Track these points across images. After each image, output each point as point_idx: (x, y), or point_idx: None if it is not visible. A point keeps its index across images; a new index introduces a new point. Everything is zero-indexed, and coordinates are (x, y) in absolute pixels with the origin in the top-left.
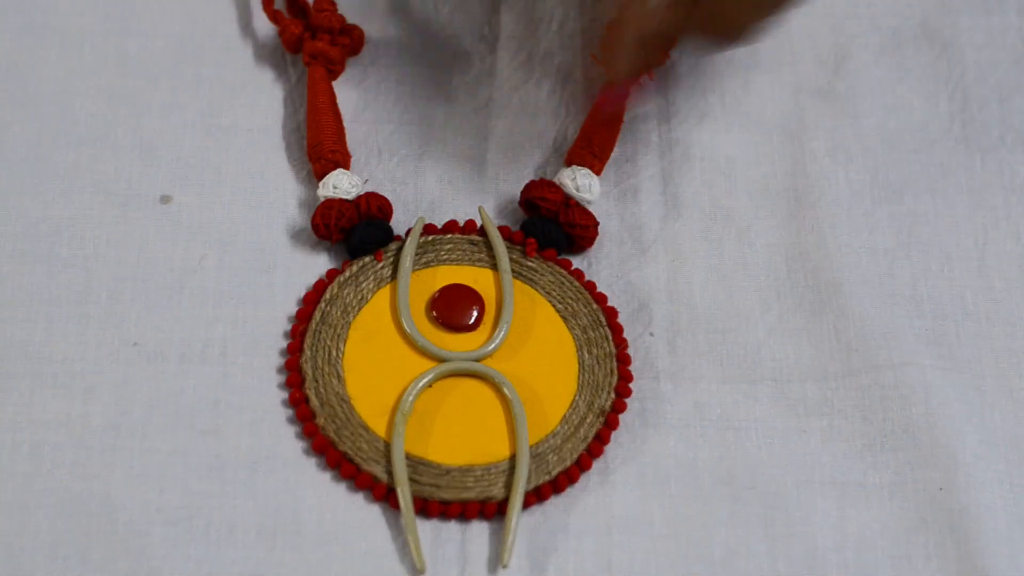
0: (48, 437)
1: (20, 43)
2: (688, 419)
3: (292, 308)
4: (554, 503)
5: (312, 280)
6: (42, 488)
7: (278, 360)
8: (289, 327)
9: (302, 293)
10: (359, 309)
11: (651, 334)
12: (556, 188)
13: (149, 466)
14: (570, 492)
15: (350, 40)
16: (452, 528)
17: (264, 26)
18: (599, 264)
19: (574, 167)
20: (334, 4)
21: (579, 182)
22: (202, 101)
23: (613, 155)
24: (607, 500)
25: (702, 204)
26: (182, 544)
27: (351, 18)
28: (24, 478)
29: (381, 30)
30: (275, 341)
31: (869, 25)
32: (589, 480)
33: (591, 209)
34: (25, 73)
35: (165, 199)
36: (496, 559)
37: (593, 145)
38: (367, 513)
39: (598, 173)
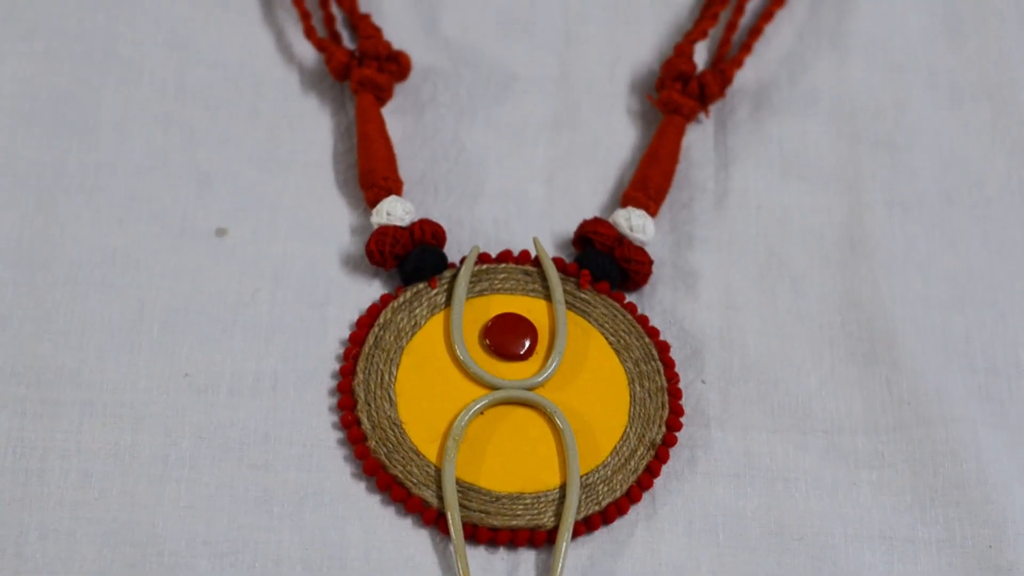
0: (96, 466)
1: (80, 72)
2: (738, 468)
3: (345, 333)
4: (602, 547)
5: (366, 306)
6: (89, 517)
7: (330, 385)
8: (341, 351)
9: (355, 318)
10: (412, 334)
11: (703, 381)
12: (610, 226)
13: (196, 498)
14: (619, 532)
15: (397, 66)
16: (501, 555)
17: (315, 55)
18: (652, 310)
19: (629, 208)
20: (379, 30)
21: (633, 222)
22: (259, 133)
23: (669, 201)
24: (655, 546)
25: (757, 252)
26: None
27: (414, 48)
28: (72, 506)
29: (439, 64)
30: (327, 367)
31: (928, 79)
32: (638, 518)
33: (645, 250)
34: (84, 102)
35: (220, 231)
36: None
37: (648, 187)
38: (415, 539)
39: (653, 215)
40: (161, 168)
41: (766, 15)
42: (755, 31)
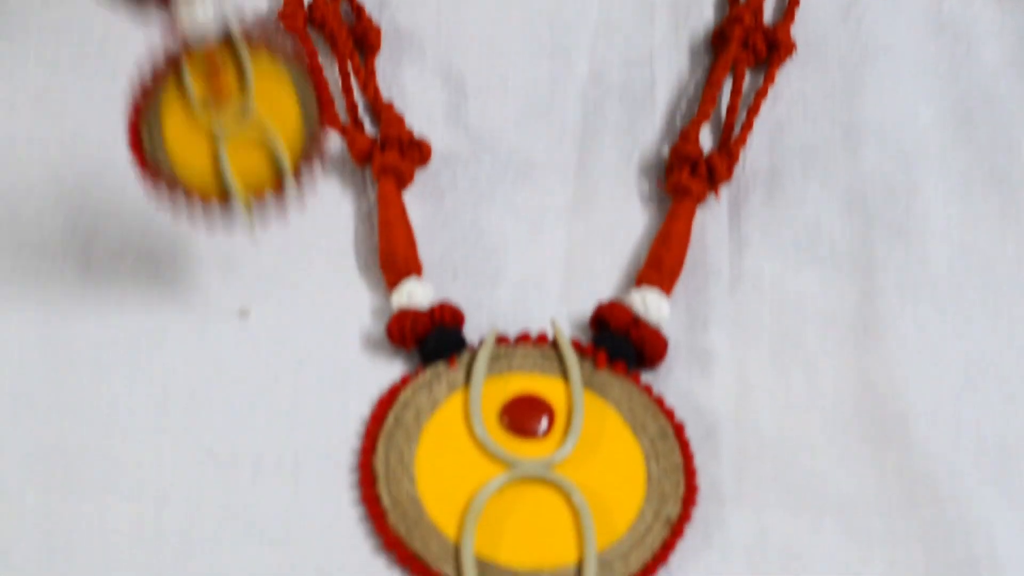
0: (121, 545)
1: (104, 154)
2: (752, 546)
3: (366, 411)
4: None
5: (386, 385)
6: None
7: (351, 462)
8: (363, 430)
9: (376, 397)
10: (432, 413)
11: (718, 461)
12: (626, 309)
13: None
14: None
15: (419, 152)
16: None
17: (341, 142)
18: (667, 389)
19: (643, 287)
20: (401, 118)
21: (648, 302)
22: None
23: (684, 284)
24: None
25: (771, 334)
26: None
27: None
28: None
29: (459, 150)
30: (348, 445)
31: (939, 165)
32: None
33: (660, 329)
34: (109, 183)
35: (243, 313)
36: None
37: (662, 267)
38: None
39: (667, 294)
40: (184, 251)
41: (761, 93)
42: (754, 109)
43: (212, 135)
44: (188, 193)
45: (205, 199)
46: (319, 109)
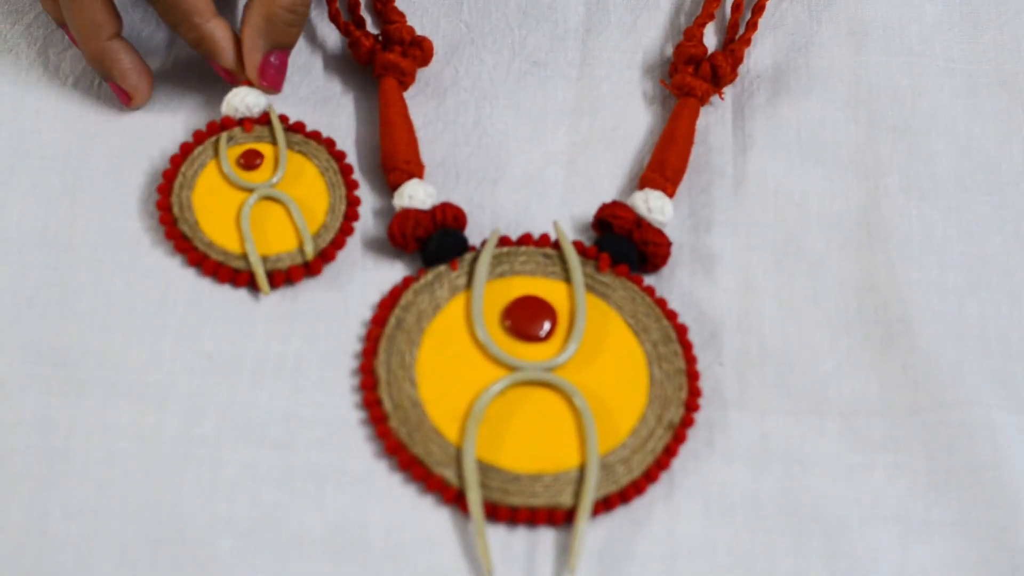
0: (120, 445)
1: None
2: (755, 450)
3: (367, 314)
4: (620, 526)
5: (387, 288)
6: (113, 495)
7: (352, 366)
8: (363, 332)
9: (377, 300)
10: (434, 316)
11: (720, 364)
12: (629, 209)
13: (219, 478)
14: (636, 512)
15: (420, 51)
16: (520, 534)
17: (339, 40)
18: (670, 292)
19: (647, 190)
20: (403, 16)
21: (651, 204)
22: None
23: (688, 185)
24: (672, 526)
25: (774, 237)
26: (249, 556)
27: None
28: (96, 485)
29: (461, 50)
30: (349, 348)
31: (944, 67)
32: (655, 498)
33: (663, 231)
34: (106, 89)
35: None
36: (563, 566)
37: (665, 169)
38: (436, 517)
39: (671, 196)
40: None
41: None
42: (759, 8)
43: (240, 201)
44: (208, 248)
45: (225, 255)
46: (345, 188)
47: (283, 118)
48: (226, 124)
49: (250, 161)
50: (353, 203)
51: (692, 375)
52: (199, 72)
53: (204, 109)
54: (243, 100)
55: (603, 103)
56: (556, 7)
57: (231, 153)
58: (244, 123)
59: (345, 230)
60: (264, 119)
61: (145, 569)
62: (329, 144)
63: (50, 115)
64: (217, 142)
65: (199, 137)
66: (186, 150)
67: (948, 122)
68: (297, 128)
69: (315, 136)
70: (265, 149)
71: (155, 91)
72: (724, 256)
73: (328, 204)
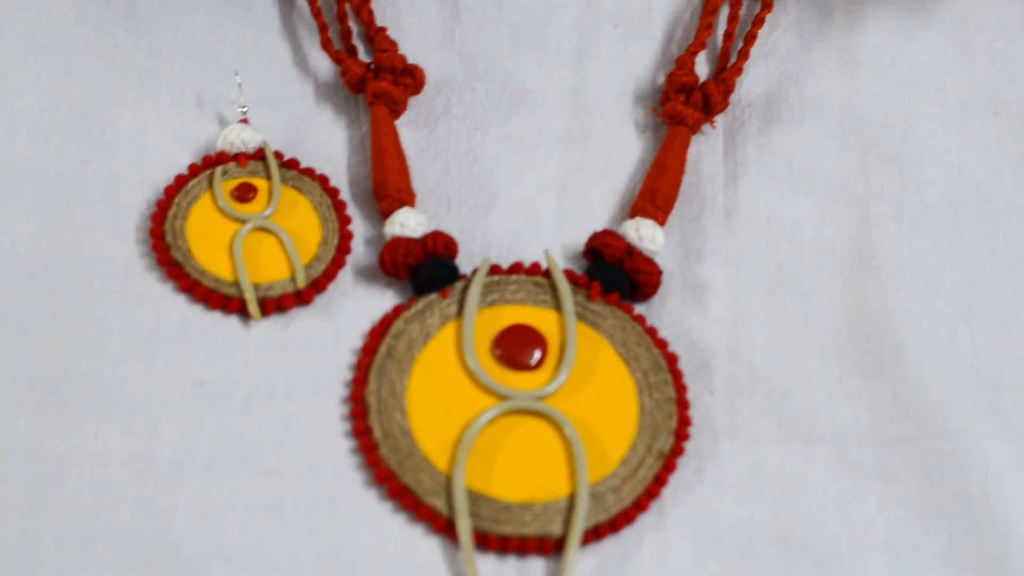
0: (112, 473)
1: (99, 84)
2: (745, 479)
3: (358, 342)
4: (610, 555)
5: (378, 316)
6: (104, 523)
7: (342, 394)
8: (354, 360)
9: (368, 328)
10: (424, 344)
11: (711, 392)
12: (620, 237)
13: (210, 505)
14: (627, 541)
15: (412, 80)
16: (510, 563)
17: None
18: (661, 321)
19: (638, 218)
20: (395, 44)
21: (642, 232)
22: (274, 144)
23: (679, 214)
24: (662, 555)
25: (766, 265)
26: None
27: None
28: (87, 513)
29: (453, 78)
30: (340, 376)
31: (936, 95)
32: (645, 527)
33: (654, 260)
34: (103, 114)
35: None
36: None
37: (656, 197)
38: (426, 547)
39: (662, 224)
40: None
41: (758, 21)
42: (750, 37)
43: (234, 231)
44: (201, 275)
45: (217, 282)
46: (337, 222)
47: (278, 155)
48: (221, 159)
49: (244, 194)
50: (346, 237)
51: (682, 404)
52: (195, 105)
53: (199, 143)
54: (239, 135)
55: (595, 131)
56: (548, 36)
57: (225, 186)
58: (239, 158)
59: (337, 262)
60: (259, 155)
61: None
62: (323, 180)
63: (43, 141)
64: (212, 175)
65: (194, 170)
66: (181, 181)
67: (940, 150)
68: (291, 164)
69: (309, 172)
70: (259, 183)
71: (151, 123)
72: (715, 285)
73: (321, 237)
